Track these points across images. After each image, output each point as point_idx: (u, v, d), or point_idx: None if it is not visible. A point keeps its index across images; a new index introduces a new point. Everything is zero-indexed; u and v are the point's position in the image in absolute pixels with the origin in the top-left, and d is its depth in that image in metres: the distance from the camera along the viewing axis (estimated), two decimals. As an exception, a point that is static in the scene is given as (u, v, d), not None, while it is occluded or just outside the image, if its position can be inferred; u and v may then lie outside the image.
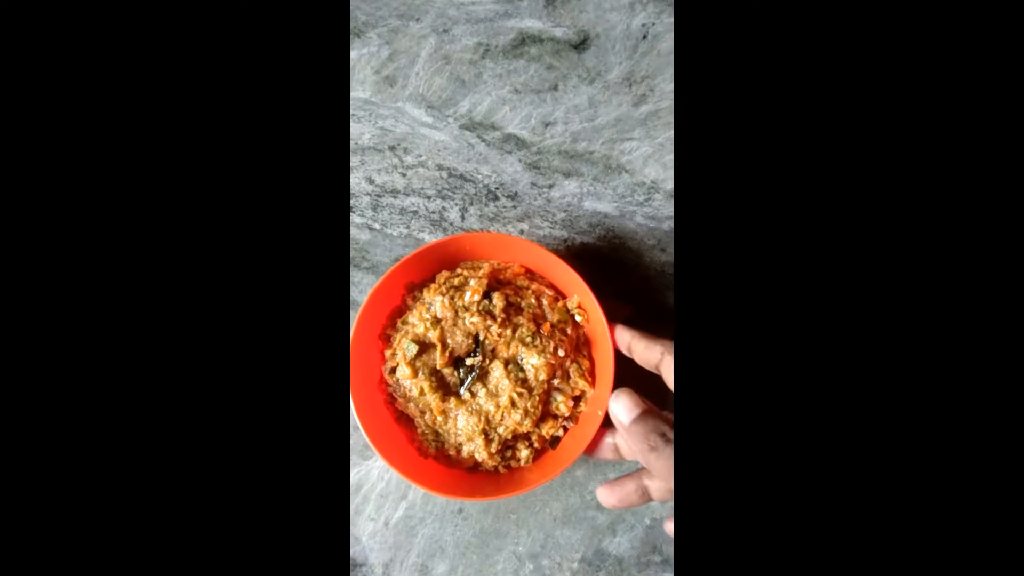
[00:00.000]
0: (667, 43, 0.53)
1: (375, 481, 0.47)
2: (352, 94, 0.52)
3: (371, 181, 0.51)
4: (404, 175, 0.51)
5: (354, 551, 0.47)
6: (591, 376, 0.44)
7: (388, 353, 0.44)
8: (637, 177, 0.52)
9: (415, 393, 0.43)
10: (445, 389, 0.43)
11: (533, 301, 0.44)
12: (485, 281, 0.43)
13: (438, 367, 0.43)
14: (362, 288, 0.50)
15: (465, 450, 0.43)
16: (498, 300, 0.43)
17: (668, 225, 0.51)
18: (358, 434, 0.48)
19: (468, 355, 0.43)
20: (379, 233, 0.51)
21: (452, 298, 0.43)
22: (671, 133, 0.52)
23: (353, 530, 0.47)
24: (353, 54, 0.52)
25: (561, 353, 0.43)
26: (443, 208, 0.51)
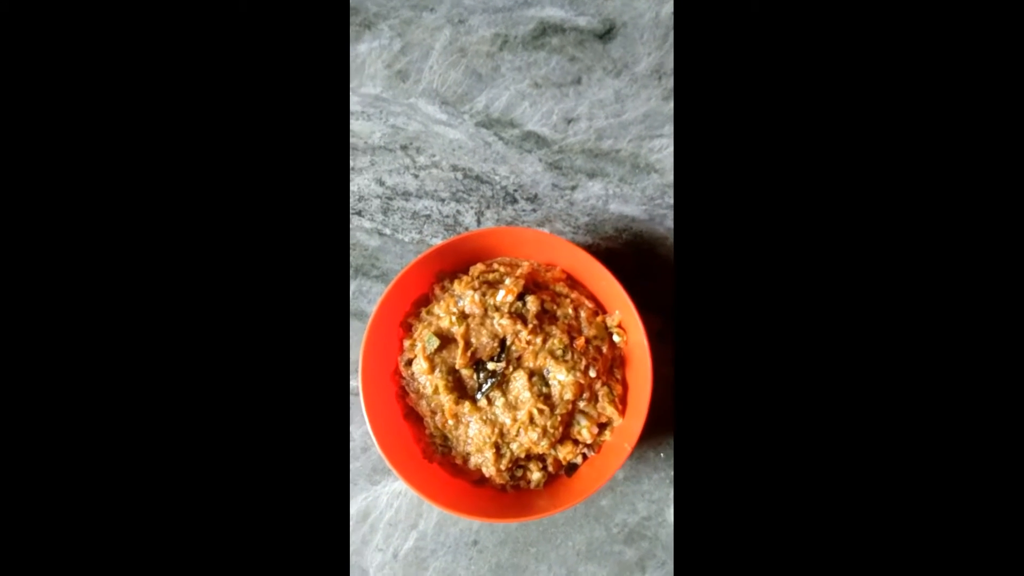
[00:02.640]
0: (701, 32, 0.49)
1: (384, 508, 0.44)
2: (362, 90, 0.49)
3: (381, 183, 0.48)
4: (416, 176, 0.48)
5: (360, 583, 0.43)
6: (622, 404, 0.41)
7: (407, 343, 0.42)
8: (667, 177, 0.48)
9: (429, 390, 0.40)
10: (461, 391, 0.40)
11: (570, 311, 0.41)
12: (522, 282, 0.40)
13: (457, 366, 0.40)
14: (371, 298, 0.47)
15: (472, 461, 0.40)
16: (532, 304, 0.40)
17: (703, 230, 0.47)
18: (366, 456, 0.44)
19: (491, 359, 0.40)
20: (389, 239, 0.47)
21: (484, 295, 0.40)
22: (705, 130, 0.49)
23: (359, 561, 0.44)
24: (363, 47, 0.49)
25: (592, 373, 0.40)
26: (458, 212, 0.48)
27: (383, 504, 0.44)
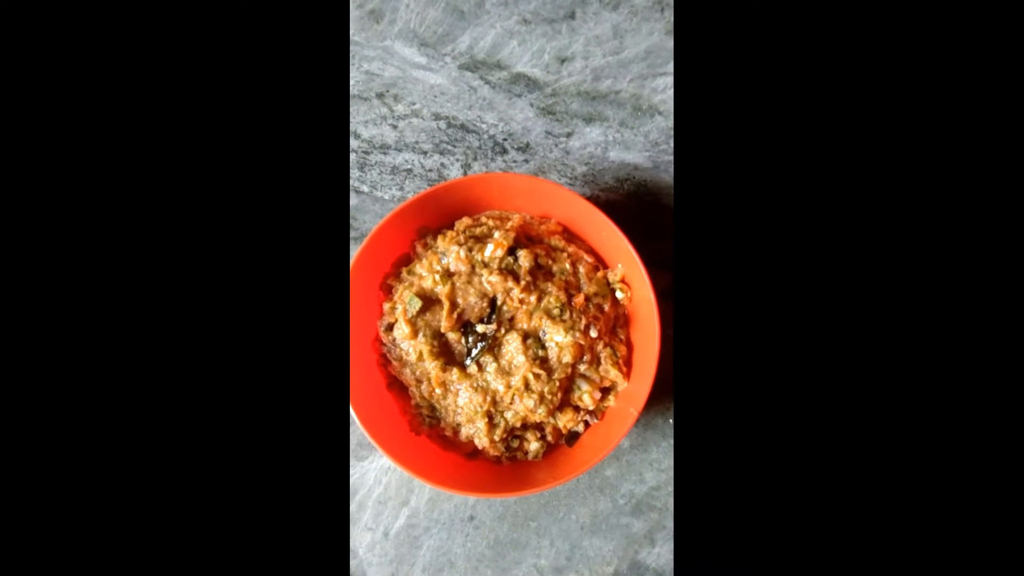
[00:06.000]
0: (707, -46, 0.44)
1: (372, 485, 0.41)
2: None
3: (357, 136, 0.44)
4: (395, 127, 0.44)
5: (350, 565, 0.41)
6: (627, 366, 0.38)
7: (387, 307, 0.38)
8: (672, 120, 0.44)
9: (412, 357, 0.37)
10: (448, 357, 0.37)
11: (567, 267, 0.38)
12: (512, 235, 0.37)
13: (443, 330, 0.37)
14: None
15: (464, 432, 0.38)
16: (525, 260, 0.37)
17: (711, 176, 0.43)
18: (350, 430, 0.41)
19: (481, 320, 0.37)
20: (368, 196, 0.44)
21: (470, 250, 0.37)
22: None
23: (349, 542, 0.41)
24: (330, -16, 0.44)
25: (593, 333, 0.37)
26: (442, 165, 0.44)
27: (371, 481, 0.41)
